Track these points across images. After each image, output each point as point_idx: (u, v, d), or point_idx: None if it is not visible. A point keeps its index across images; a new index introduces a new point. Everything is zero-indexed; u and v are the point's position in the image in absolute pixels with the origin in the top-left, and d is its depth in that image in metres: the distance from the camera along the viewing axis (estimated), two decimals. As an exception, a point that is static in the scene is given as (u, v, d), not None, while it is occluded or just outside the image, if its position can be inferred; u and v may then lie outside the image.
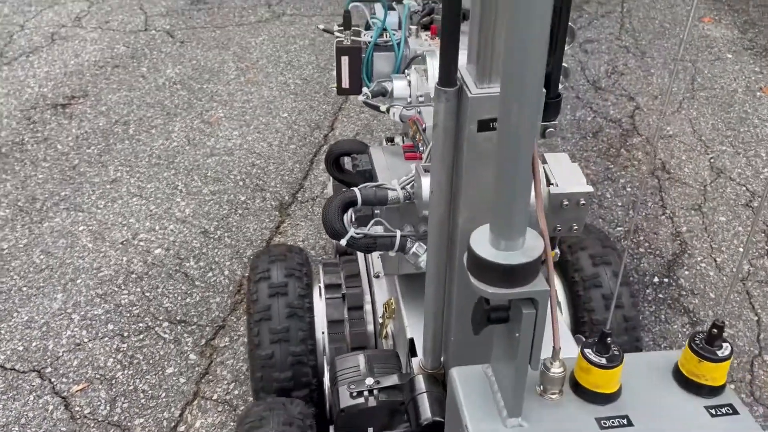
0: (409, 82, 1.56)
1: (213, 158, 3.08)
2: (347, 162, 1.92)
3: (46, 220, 2.66)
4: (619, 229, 2.71)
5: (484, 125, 1.01)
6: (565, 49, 1.27)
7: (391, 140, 2.06)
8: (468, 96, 1.00)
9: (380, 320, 1.68)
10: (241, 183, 2.92)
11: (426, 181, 1.23)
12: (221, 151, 3.13)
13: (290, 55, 4.03)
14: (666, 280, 2.48)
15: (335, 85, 1.75)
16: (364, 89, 1.63)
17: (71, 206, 2.74)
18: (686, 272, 2.51)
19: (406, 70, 1.66)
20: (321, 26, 1.99)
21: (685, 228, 2.73)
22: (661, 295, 2.41)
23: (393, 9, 1.86)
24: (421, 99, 1.56)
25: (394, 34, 1.73)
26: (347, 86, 1.73)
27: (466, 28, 1.04)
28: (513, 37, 0.75)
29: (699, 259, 2.57)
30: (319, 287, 1.76)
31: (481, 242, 0.87)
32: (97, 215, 2.69)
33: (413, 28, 1.76)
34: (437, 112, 1.03)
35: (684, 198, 2.89)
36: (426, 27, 1.78)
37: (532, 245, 0.87)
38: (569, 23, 1.24)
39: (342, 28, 1.74)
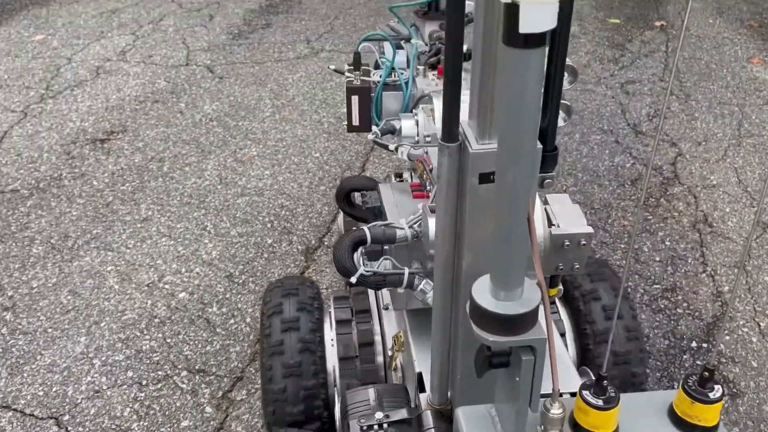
0: (417, 122, 1.62)
1: (243, 198, 3.08)
2: (357, 197, 1.96)
3: (77, 259, 2.70)
4: (656, 286, 2.59)
5: (485, 178, 1.08)
6: (567, 87, 1.29)
7: (399, 176, 2.11)
8: (469, 152, 1.06)
9: (389, 353, 1.71)
10: (269, 225, 2.91)
11: (433, 222, 1.28)
12: (252, 192, 3.13)
13: (326, 93, 4.04)
14: (705, 345, 2.35)
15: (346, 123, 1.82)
16: (374, 127, 1.68)
17: (101, 245, 2.77)
18: (726, 337, 2.38)
19: (413, 110, 1.71)
20: (332, 67, 2.07)
21: (727, 287, 2.59)
22: (699, 362, 2.28)
23: (401, 48, 1.94)
24: (428, 139, 1.61)
25: (402, 74, 1.80)
26: (357, 124, 1.80)
27: (470, 66, 1.08)
28: (506, 107, 0.81)
29: (741, 322, 2.44)
30: (330, 313, 1.83)
31: (482, 292, 0.93)
32: (125, 255, 2.72)
33: (421, 68, 1.83)
34: (441, 164, 1.10)
35: (726, 254, 2.76)
36: (433, 67, 1.85)
37: (530, 296, 0.93)
38: (569, 62, 1.25)
39: (352, 68, 1.81)
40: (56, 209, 3.00)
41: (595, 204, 3.05)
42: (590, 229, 1.30)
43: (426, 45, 1.96)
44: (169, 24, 5.05)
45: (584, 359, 1.78)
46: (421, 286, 1.40)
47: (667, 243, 2.82)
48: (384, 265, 1.45)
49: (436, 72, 1.83)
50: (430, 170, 1.55)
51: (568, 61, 1.30)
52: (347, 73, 1.83)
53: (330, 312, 1.85)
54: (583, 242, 1.30)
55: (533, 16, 0.69)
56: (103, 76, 4.25)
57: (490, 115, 1.07)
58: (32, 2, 5.51)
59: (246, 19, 5.14)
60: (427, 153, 1.59)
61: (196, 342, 2.32)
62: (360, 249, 1.45)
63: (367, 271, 1.38)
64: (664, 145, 3.51)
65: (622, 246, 2.79)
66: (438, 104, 1.60)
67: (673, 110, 3.84)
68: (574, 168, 3.32)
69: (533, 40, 0.72)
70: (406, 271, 1.40)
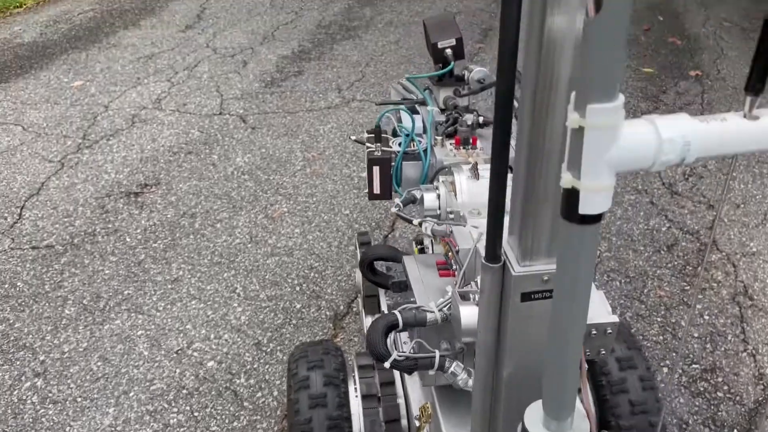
0: (438, 196, 1.67)
1: (273, 258, 3.08)
2: (380, 265, 2.03)
3: (108, 322, 2.71)
4: (695, 366, 2.51)
5: (527, 296, 1.11)
6: None
7: (420, 243, 2.13)
8: (512, 274, 1.09)
9: (416, 423, 1.70)
10: (297, 288, 2.90)
11: (465, 311, 1.32)
12: (281, 251, 3.13)
13: (356, 146, 4.05)
14: (747, 434, 2.26)
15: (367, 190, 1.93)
16: (396, 200, 1.74)
17: (132, 307, 2.79)
18: (771, 426, 2.28)
19: (434, 180, 1.77)
20: (353, 137, 2.17)
21: (770, 369, 2.50)
22: (741, 453, 2.19)
23: (417, 113, 2.02)
24: (451, 216, 1.65)
25: (419, 143, 1.88)
26: (378, 192, 1.90)
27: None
28: (561, 274, 0.84)
29: (786, 409, 2.34)
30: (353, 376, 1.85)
31: (535, 422, 0.99)
32: (155, 319, 2.73)
33: (438, 138, 1.91)
34: (483, 281, 1.13)
35: (769, 331, 2.66)
36: (450, 136, 1.92)
37: (578, 425, 0.98)
38: None
39: (372, 137, 1.90)
40: (89, 267, 3.04)
41: (630, 272, 2.98)
42: (615, 319, 1.32)
43: (440, 111, 2.03)
44: (203, 70, 5.14)
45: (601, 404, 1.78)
46: (452, 369, 1.42)
47: (706, 317, 2.73)
48: (412, 335, 1.51)
49: (453, 141, 1.90)
50: (457, 252, 1.58)
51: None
52: (368, 144, 1.91)
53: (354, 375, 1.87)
54: (609, 331, 1.31)
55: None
56: (139, 125, 4.33)
57: (531, 237, 1.09)
58: (72, 47, 5.66)
59: (279, 66, 5.21)
60: (451, 232, 1.60)
61: (223, 416, 2.31)
62: (392, 333, 1.48)
63: (400, 356, 1.43)
64: (700, 207, 3.43)
65: (659, 319, 2.72)
66: (459, 178, 1.66)
67: (710, 169, 3.76)
68: (608, 231, 3.26)
69: (590, 219, 0.77)
70: (437, 354, 1.43)
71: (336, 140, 4.12)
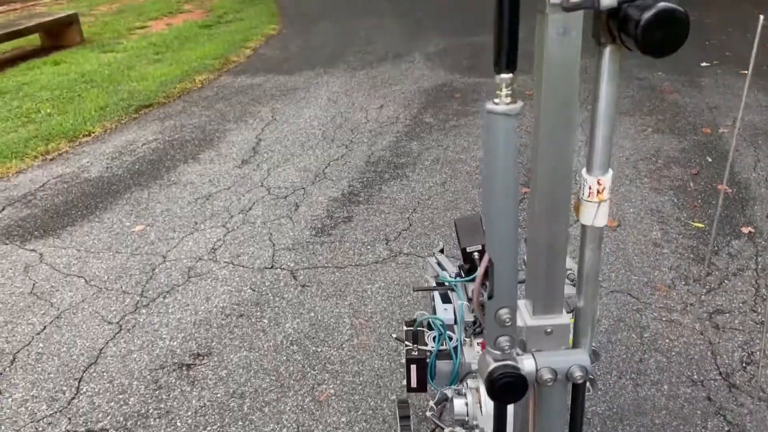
0: (466, 404, 1.82)
1: (319, 455, 3.09)
2: None
3: None
4: None
5: None
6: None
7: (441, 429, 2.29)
8: None
9: None
10: (343, 496, 2.88)
11: None
12: (328, 446, 3.14)
13: (403, 311, 4.09)
14: None
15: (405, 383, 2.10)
16: (430, 402, 1.92)
17: None
18: None
19: (462, 382, 1.95)
20: (394, 336, 2.44)
21: None
22: None
23: (449, 301, 2.23)
24: (477, 430, 1.76)
25: (450, 341, 2.07)
26: (415, 386, 2.10)
27: None
28: None
29: None
30: None
31: None
32: None
33: (467, 339, 2.08)
34: None
35: None
36: (477, 334, 2.09)
37: None
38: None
39: (410, 331, 2.16)
40: (140, 458, 3.10)
41: (686, 490, 2.87)
42: None
43: (469, 300, 2.19)
44: (257, 214, 5.34)
45: None
46: None
47: None
48: None
49: (480, 342, 2.06)
50: None
51: None
52: (406, 342, 2.14)
53: None
54: None
55: None
56: (194, 279, 4.49)
57: None
58: (135, 183, 5.98)
59: (329, 211, 5.37)
60: None
61: None
62: None
63: None
64: (761, 406, 3.30)
65: None
66: (483, 390, 1.76)
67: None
68: (663, 435, 3.16)
69: None
70: None
71: (383, 304, 4.17)
